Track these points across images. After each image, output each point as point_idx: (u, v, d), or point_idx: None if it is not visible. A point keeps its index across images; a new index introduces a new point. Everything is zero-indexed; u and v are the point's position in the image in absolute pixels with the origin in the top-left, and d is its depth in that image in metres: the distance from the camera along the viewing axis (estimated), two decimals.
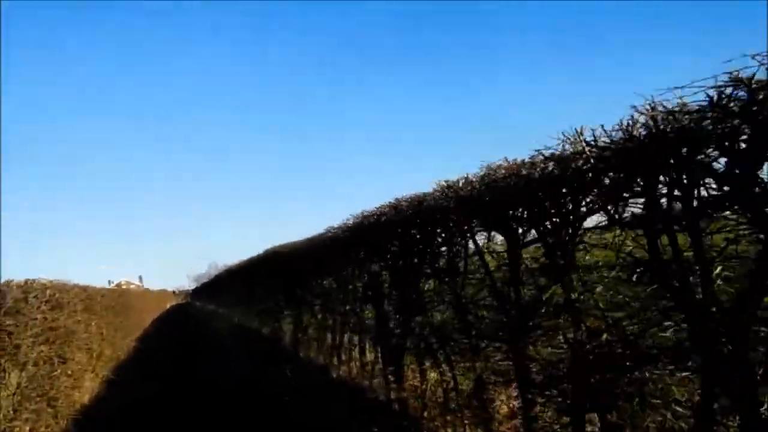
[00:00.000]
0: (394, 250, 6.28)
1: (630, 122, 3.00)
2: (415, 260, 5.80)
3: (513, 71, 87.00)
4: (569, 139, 3.15)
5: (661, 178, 2.87)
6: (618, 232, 3.71)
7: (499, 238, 4.70)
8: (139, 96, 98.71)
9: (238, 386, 9.76)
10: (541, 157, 3.55)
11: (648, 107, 2.73)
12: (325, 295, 9.88)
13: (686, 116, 2.68)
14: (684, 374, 3.38)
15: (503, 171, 3.90)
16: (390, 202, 5.78)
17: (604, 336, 3.72)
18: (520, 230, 4.25)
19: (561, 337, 4.06)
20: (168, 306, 52.24)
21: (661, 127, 2.66)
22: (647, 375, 3.44)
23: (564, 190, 3.64)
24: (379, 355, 7.46)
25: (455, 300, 5.14)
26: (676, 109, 2.69)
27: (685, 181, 2.79)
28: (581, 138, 3.12)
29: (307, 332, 11.27)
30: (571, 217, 3.76)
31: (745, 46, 2.94)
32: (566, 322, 3.98)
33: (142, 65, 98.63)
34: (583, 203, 3.53)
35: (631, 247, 3.54)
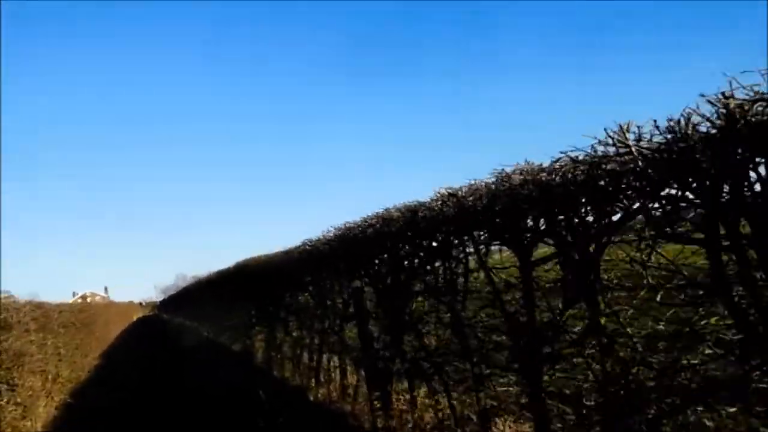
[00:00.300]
0: (381, 265, 5.71)
1: (685, 117, 2.49)
2: (406, 276, 5.24)
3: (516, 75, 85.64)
4: (612, 136, 2.62)
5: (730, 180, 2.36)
6: (643, 246, 3.22)
7: (501, 252, 4.18)
8: (111, 101, 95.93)
9: (209, 408, 9.05)
10: (567, 159, 3.02)
11: (720, 97, 2.21)
12: (302, 312, 9.24)
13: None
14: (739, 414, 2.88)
15: (519, 176, 3.36)
16: (379, 213, 5.21)
17: (637, 368, 3.21)
18: (534, 243, 3.73)
19: (584, 365, 3.54)
20: (135, 318, 50.71)
21: (740, 117, 2.14)
22: (695, 416, 2.93)
23: (591, 198, 3.12)
24: (363, 377, 6.85)
25: (454, 321, 4.58)
26: (755, 97, 2.18)
27: None
28: (624, 137, 2.59)
29: (282, 350, 10.59)
30: (596, 228, 3.24)
31: None
32: (591, 350, 3.46)
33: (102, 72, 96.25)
34: (618, 211, 3.01)
35: (661, 263, 3.04)
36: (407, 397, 5.76)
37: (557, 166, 3.17)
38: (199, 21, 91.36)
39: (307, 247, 7.68)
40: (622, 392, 3.26)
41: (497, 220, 3.77)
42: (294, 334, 9.85)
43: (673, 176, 2.50)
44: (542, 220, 3.44)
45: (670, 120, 2.56)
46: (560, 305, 3.61)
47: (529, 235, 3.62)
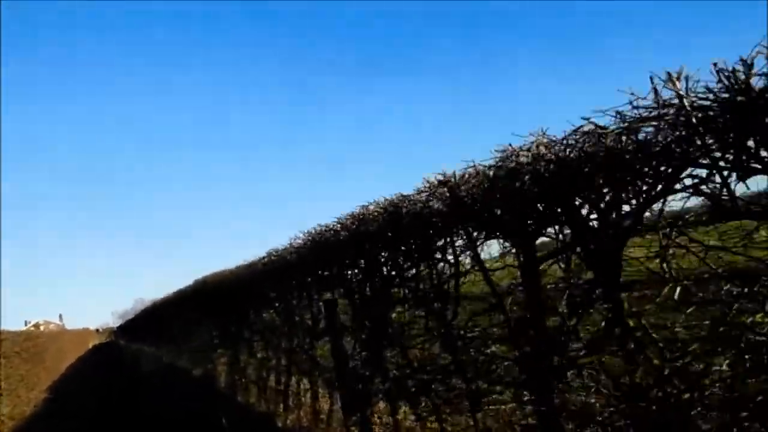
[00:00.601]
0: (357, 272, 5.11)
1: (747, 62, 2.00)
2: (386, 283, 4.65)
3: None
4: (660, 88, 2.10)
5: None
6: (661, 236, 2.72)
7: (503, 248, 3.64)
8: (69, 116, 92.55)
9: None
10: (591, 127, 2.50)
11: None
12: (267, 330, 8.52)
13: None
14: None
15: (527, 154, 2.83)
16: (354, 212, 4.62)
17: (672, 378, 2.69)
18: (538, 234, 3.20)
19: (603, 378, 3.00)
20: (90, 345, 48.55)
21: None
22: None
23: (615, 174, 2.61)
24: (337, 401, 6.20)
25: (444, 331, 4.01)
26: None
27: None
28: (675, 86, 2.07)
29: (246, 373, 9.82)
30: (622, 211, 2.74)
31: None
32: (613, 359, 2.93)
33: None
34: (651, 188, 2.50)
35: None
36: (389, 420, 5.15)
37: (573, 140, 2.65)
38: (192, 22, 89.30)
39: (273, 257, 7.03)
40: (654, 408, 2.74)
41: (497, 211, 3.23)
42: (259, 355, 9.13)
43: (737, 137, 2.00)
44: (551, 208, 2.91)
45: (723, 69, 2.07)
46: (567, 308, 3.08)
47: (534, 227, 3.08)
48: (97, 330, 77.52)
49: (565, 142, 2.65)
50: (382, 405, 5.33)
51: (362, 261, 4.87)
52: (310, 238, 5.67)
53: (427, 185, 3.66)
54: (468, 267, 3.76)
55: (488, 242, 3.58)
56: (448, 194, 3.50)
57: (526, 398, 3.38)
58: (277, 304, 7.94)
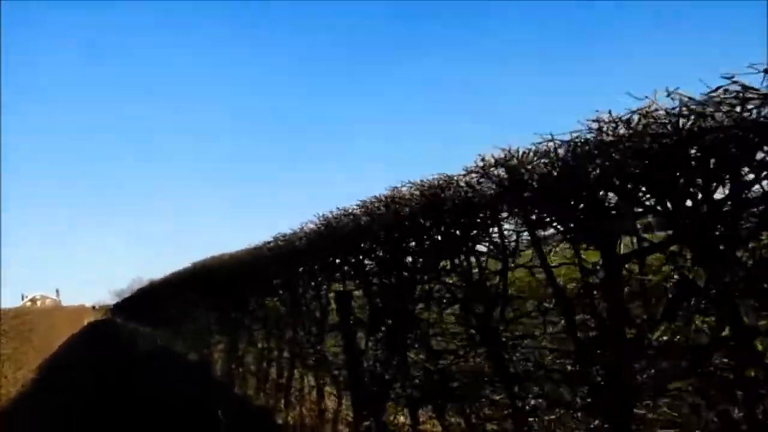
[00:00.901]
0: (379, 261, 4.50)
1: None
2: (415, 274, 4.05)
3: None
4: None
5: None
6: None
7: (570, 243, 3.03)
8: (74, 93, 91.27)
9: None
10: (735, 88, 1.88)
11: None
12: (269, 320, 7.94)
13: None
14: None
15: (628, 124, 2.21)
16: (380, 195, 4.01)
17: None
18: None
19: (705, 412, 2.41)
20: (85, 323, 48.06)
21: None
22: None
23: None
24: (347, 401, 5.64)
25: (484, 335, 3.41)
26: None
27: None
28: None
29: (245, 363, 9.25)
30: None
31: None
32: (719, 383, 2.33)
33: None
34: None
35: None
36: (407, 429, 4.59)
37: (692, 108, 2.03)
38: (189, 20, 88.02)
39: (280, 242, 6.42)
40: None
41: (570, 196, 2.62)
42: (259, 344, 8.55)
43: None
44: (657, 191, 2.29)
45: None
46: (662, 316, 2.48)
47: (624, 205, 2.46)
48: (94, 307, 77.25)
49: (682, 110, 2.03)
50: (399, 410, 4.76)
51: (386, 249, 4.26)
52: (324, 222, 5.06)
53: (481, 164, 3.04)
54: (523, 261, 3.16)
55: (549, 233, 2.97)
56: (506, 175, 2.89)
57: (592, 426, 2.79)
58: (281, 292, 7.35)
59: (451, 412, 3.91)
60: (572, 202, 2.63)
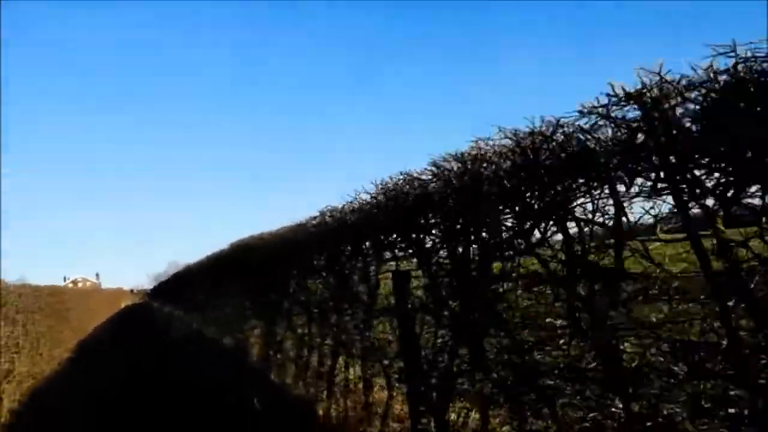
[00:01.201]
0: (447, 235, 3.87)
1: None
2: (493, 251, 3.41)
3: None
4: None
5: None
6: None
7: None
8: (104, 87, 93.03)
9: (189, 420, 7.28)
10: None
11: None
12: (311, 303, 7.38)
13: None
14: None
15: None
16: (458, 153, 3.36)
17: None
18: None
19: None
20: (123, 305, 48.78)
21: None
22: None
23: None
24: (401, 395, 5.05)
25: (587, 324, 2.75)
26: None
27: None
28: None
29: (283, 349, 8.73)
30: None
31: None
32: None
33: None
34: None
35: None
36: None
37: None
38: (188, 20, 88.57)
39: (327, 217, 5.84)
40: None
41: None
42: (299, 330, 8.01)
43: None
44: None
45: None
46: None
47: None
48: (132, 290, 78.88)
49: None
50: (466, 409, 4.13)
51: (459, 220, 3.62)
52: (382, 191, 4.44)
53: (597, 104, 2.37)
54: (648, 234, 2.48)
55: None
56: (638, 110, 2.22)
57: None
58: (325, 273, 6.78)
59: (537, 413, 3.27)
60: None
